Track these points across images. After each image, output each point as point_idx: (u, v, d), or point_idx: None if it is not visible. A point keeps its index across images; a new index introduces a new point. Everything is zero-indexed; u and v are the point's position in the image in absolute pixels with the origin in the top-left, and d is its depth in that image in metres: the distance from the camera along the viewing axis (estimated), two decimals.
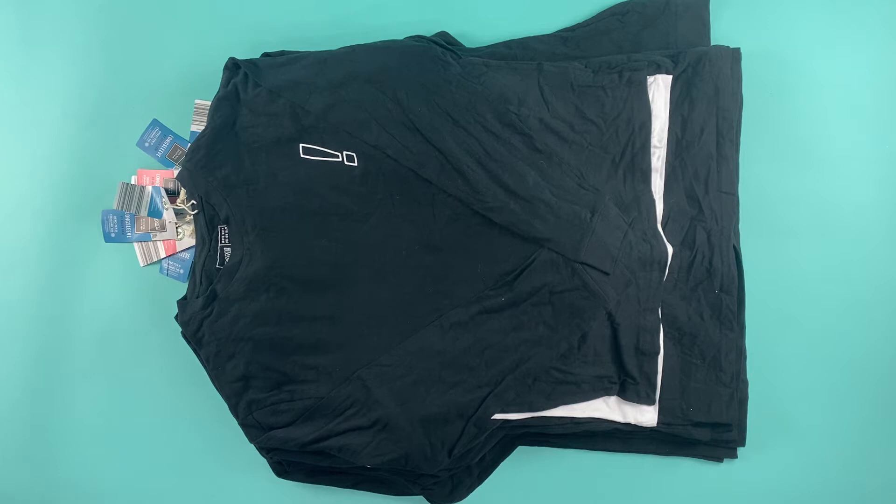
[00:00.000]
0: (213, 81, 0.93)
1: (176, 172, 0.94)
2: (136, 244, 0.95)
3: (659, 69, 0.88)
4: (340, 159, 0.85)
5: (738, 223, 0.90)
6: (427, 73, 0.86)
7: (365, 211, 0.86)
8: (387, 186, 0.85)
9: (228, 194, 0.85)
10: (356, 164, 0.85)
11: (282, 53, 0.91)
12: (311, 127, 0.86)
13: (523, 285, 0.84)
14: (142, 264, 0.95)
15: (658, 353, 0.86)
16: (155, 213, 0.93)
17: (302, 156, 0.86)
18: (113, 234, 0.95)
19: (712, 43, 0.91)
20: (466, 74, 0.87)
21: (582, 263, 0.83)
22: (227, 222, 0.87)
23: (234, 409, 0.85)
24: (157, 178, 0.94)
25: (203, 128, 0.89)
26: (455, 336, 0.84)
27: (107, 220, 0.95)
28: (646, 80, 0.88)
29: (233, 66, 0.88)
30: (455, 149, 0.84)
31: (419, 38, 0.90)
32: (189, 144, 0.94)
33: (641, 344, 0.85)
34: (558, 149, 0.87)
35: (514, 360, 0.84)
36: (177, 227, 0.94)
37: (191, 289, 0.88)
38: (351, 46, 0.89)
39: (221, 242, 0.88)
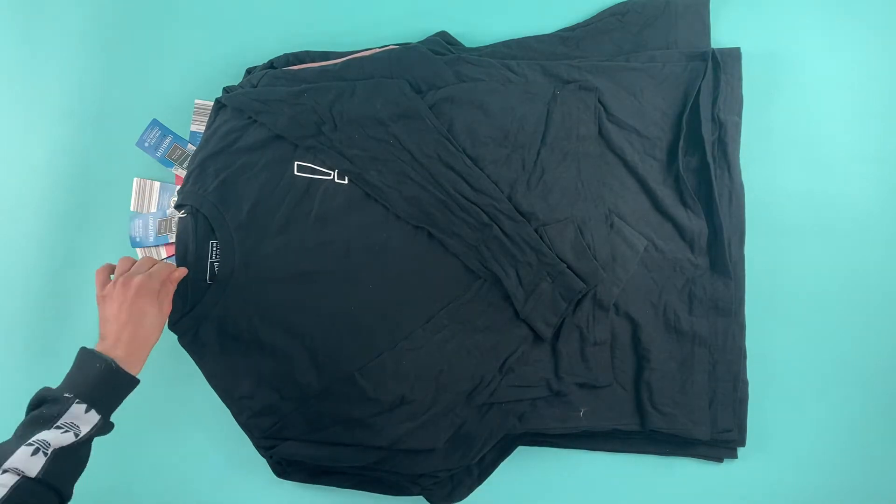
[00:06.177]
0: (214, 81, 0.93)
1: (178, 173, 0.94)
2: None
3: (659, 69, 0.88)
4: (332, 177, 0.87)
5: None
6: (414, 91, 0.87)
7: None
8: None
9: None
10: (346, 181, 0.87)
11: (283, 56, 0.91)
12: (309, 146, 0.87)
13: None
14: None
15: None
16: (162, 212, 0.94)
17: (296, 173, 0.87)
18: (138, 239, 0.95)
19: (712, 43, 0.91)
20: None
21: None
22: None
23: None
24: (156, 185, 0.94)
25: (205, 129, 0.89)
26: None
27: (134, 224, 0.95)
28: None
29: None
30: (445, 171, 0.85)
31: (413, 47, 0.89)
32: (189, 145, 0.95)
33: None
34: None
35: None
36: None
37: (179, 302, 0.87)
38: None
39: (212, 258, 0.88)
